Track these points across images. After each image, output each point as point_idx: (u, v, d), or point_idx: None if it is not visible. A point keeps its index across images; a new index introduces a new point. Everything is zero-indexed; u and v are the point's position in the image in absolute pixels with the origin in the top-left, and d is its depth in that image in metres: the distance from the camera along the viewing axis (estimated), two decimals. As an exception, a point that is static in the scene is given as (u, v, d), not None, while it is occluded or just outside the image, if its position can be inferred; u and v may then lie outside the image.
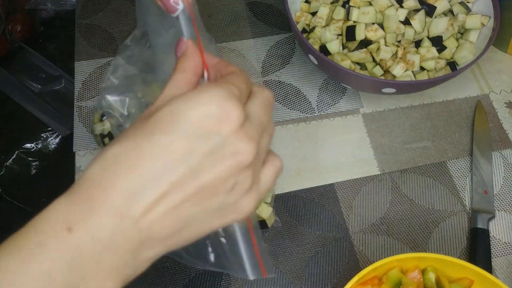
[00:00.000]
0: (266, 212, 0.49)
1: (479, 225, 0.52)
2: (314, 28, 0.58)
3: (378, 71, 0.55)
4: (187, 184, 0.23)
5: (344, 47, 0.57)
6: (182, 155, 0.23)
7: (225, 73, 0.28)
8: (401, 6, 0.57)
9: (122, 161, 0.23)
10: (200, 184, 0.24)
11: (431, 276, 0.43)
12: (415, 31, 0.57)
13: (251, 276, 0.30)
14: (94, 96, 0.60)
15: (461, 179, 0.56)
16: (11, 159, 0.98)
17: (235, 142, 0.24)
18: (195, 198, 0.24)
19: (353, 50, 0.56)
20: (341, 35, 0.57)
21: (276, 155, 0.29)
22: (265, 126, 0.27)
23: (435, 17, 0.57)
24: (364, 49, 0.56)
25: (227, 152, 0.24)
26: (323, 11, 0.58)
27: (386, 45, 0.56)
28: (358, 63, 0.56)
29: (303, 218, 0.52)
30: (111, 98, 0.45)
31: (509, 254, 0.51)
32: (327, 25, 0.58)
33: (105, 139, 0.50)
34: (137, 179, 0.23)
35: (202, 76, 0.29)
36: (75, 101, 0.60)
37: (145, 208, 0.23)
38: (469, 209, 0.54)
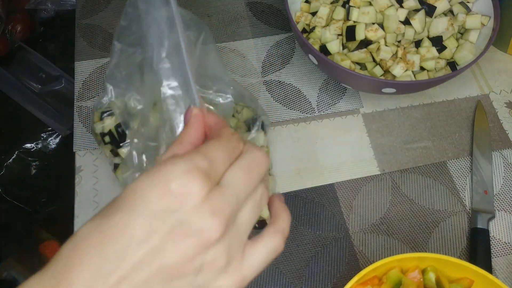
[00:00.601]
0: (266, 212, 0.49)
1: (479, 225, 0.52)
2: (314, 28, 0.58)
3: (378, 71, 0.55)
4: (149, 264, 0.23)
5: (344, 47, 0.57)
6: (142, 235, 0.23)
7: (216, 136, 0.27)
8: (401, 6, 0.57)
9: (88, 240, 0.23)
10: (162, 264, 0.23)
11: (431, 276, 0.43)
12: (415, 31, 0.57)
13: None
14: (94, 96, 0.60)
15: (461, 179, 0.56)
16: (11, 159, 0.98)
17: (197, 218, 0.23)
18: (160, 278, 0.23)
19: (353, 50, 0.56)
20: (341, 35, 0.57)
21: (278, 230, 0.27)
22: (245, 194, 0.25)
23: (435, 17, 0.57)
24: (364, 49, 0.56)
25: (189, 229, 0.23)
26: (323, 11, 0.58)
27: (386, 45, 0.56)
28: (358, 63, 0.56)
29: (303, 218, 0.52)
30: (114, 89, 0.44)
31: (509, 254, 0.51)
32: (327, 25, 0.58)
33: (106, 138, 0.50)
34: (100, 260, 0.23)
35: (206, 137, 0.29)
36: (75, 101, 0.60)
37: None
38: (469, 209, 0.54)
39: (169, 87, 0.31)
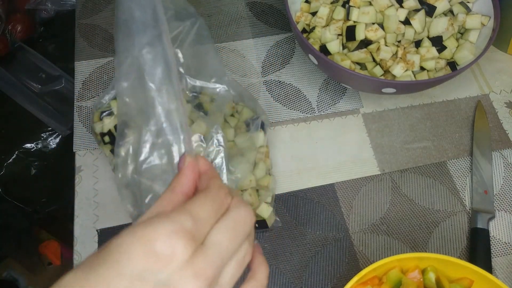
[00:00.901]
0: (266, 212, 0.49)
1: (479, 225, 0.51)
2: (314, 28, 0.58)
3: (378, 71, 0.55)
4: None
5: (344, 47, 0.57)
6: None
7: (205, 186, 0.27)
8: (401, 6, 0.57)
9: None
10: None
11: (431, 276, 0.42)
12: (415, 31, 0.57)
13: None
14: (94, 96, 0.60)
15: (461, 179, 0.56)
16: (11, 159, 0.98)
17: (180, 280, 0.23)
18: None
19: (353, 50, 0.56)
20: (341, 35, 0.57)
21: (257, 285, 0.28)
22: (230, 253, 0.25)
23: (435, 17, 0.57)
24: (364, 49, 0.56)
25: None
26: (323, 11, 0.58)
27: (386, 45, 0.56)
28: (358, 63, 0.56)
29: (303, 218, 0.52)
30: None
31: (509, 254, 0.51)
32: (327, 25, 0.58)
33: (105, 137, 0.50)
34: None
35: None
36: (75, 101, 0.60)
37: None
38: (469, 209, 0.54)
39: (151, 75, 0.31)
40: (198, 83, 0.47)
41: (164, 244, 0.23)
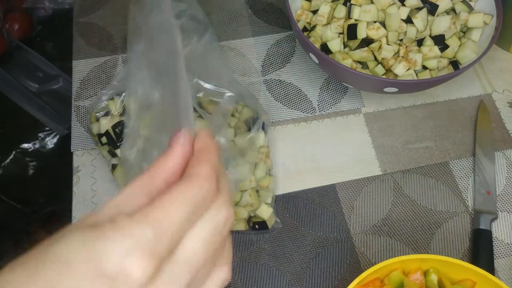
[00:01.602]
0: (266, 212, 0.49)
1: (482, 226, 0.51)
2: (315, 26, 0.58)
3: (380, 70, 0.55)
4: None
5: (345, 45, 0.57)
6: None
7: (188, 174, 0.22)
8: (403, 5, 0.56)
9: None
10: None
11: (433, 277, 0.42)
12: (417, 29, 0.56)
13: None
14: (92, 95, 0.59)
15: (464, 179, 0.55)
16: (8, 159, 0.97)
17: None
18: None
19: (354, 49, 0.55)
20: (342, 33, 0.57)
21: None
22: (201, 265, 0.21)
23: (437, 16, 0.57)
24: (366, 48, 0.55)
25: None
26: (324, 9, 0.57)
27: (388, 44, 0.56)
28: (359, 62, 0.56)
29: (304, 219, 0.52)
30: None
31: (511, 255, 0.51)
32: (328, 23, 0.58)
33: (102, 139, 0.49)
34: None
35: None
36: (73, 101, 0.59)
37: None
38: (472, 210, 0.53)
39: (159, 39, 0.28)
40: (208, 86, 0.46)
41: (116, 265, 0.19)
